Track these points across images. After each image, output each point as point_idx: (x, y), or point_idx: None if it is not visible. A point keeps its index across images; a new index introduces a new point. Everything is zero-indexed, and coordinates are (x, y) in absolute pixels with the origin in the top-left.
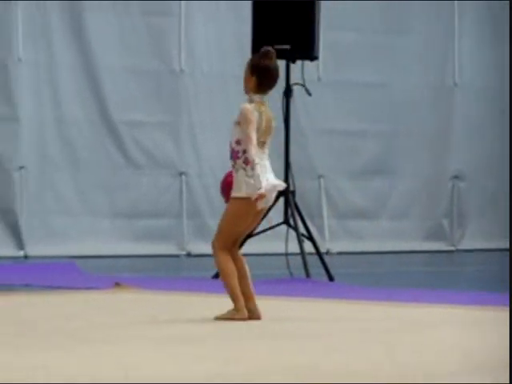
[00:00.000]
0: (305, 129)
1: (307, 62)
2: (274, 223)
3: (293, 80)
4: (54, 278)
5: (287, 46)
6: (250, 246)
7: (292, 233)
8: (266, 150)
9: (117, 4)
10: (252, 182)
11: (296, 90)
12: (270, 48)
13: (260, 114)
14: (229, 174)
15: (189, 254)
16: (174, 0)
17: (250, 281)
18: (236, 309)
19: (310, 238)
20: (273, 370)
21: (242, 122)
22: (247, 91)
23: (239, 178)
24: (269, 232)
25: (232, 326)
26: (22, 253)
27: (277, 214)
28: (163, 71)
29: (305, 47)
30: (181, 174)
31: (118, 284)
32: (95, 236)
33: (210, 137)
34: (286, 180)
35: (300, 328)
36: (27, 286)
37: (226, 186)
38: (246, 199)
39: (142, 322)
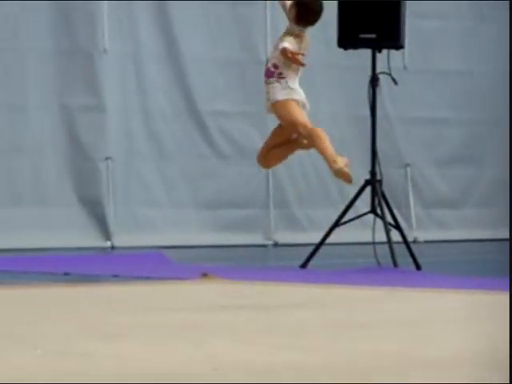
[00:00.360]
0: (391, 117)
1: (393, 51)
2: (360, 212)
3: (379, 69)
4: (141, 268)
5: (373, 35)
6: (337, 236)
7: (379, 222)
8: (299, 73)
9: None
10: (287, 91)
11: (382, 78)
12: None
13: (298, 47)
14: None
15: (276, 244)
16: None
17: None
18: (333, 160)
19: (397, 227)
20: (358, 358)
21: (283, 57)
22: (289, 18)
23: (274, 90)
24: (356, 221)
25: (317, 315)
26: (109, 243)
27: (364, 203)
28: (249, 61)
29: (390, 36)
30: None
31: (205, 274)
32: (181, 226)
33: None
34: (373, 169)
35: (388, 317)
36: (115, 277)
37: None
38: (286, 101)
39: (229, 312)
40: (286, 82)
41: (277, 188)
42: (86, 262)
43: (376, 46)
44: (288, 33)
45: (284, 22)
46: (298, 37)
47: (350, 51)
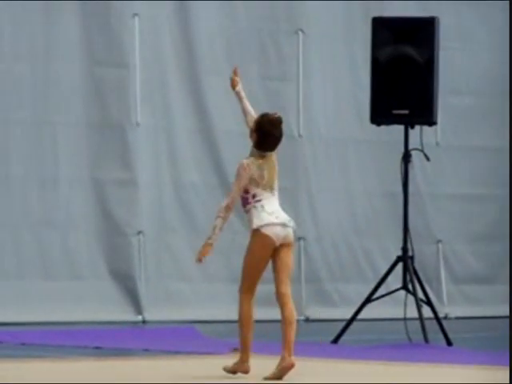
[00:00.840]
0: (423, 194)
1: (425, 127)
2: (392, 288)
3: (411, 145)
4: (172, 342)
5: (406, 111)
6: (368, 311)
7: (410, 298)
8: (276, 193)
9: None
10: (262, 215)
11: (414, 154)
12: (278, 116)
13: (258, 166)
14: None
15: (307, 319)
16: (291, 65)
17: (293, 327)
18: (241, 360)
19: (429, 303)
20: None
21: (237, 174)
22: (252, 142)
23: (250, 217)
24: (387, 297)
25: None
26: (140, 318)
27: (395, 279)
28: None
29: (423, 112)
30: (299, 238)
31: (235, 349)
32: (213, 301)
33: (329, 202)
34: (405, 245)
35: None
36: (146, 351)
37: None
38: (259, 232)
39: None
40: (262, 207)
41: (308, 263)
42: (117, 335)
43: (409, 122)
44: (251, 153)
45: (317, 97)
46: (261, 157)
47: (383, 127)
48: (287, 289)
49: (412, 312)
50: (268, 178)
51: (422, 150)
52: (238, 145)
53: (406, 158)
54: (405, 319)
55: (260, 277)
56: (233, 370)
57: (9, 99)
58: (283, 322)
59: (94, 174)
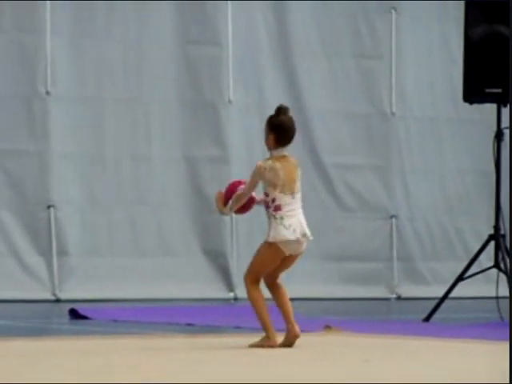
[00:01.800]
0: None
1: None
2: (484, 267)
3: (504, 124)
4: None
5: (499, 90)
6: (461, 290)
7: (503, 276)
8: (298, 197)
9: (327, 45)
10: (279, 229)
11: (507, 133)
12: (282, 104)
13: (277, 170)
14: (235, 183)
15: (399, 297)
16: (384, 43)
17: (288, 303)
18: (267, 336)
19: None
20: None
21: (251, 174)
22: (269, 149)
23: (270, 225)
24: (479, 276)
25: (439, 368)
26: (232, 295)
27: (487, 258)
28: (374, 114)
29: None
30: (391, 217)
31: (328, 327)
32: (306, 278)
33: (421, 180)
34: (497, 223)
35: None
36: (237, 328)
37: (227, 192)
38: (273, 244)
39: (353, 366)
40: (282, 218)
41: (400, 242)
42: (208, 313)
43: (501, 101)
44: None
45: (410, 75)
46: (279, 160)
47: (475, 105)
48: (279, 279)
49: (504, 291)
50: (286, 178)
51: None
52: (330, 124)
53: (499, 136)
54: (497, 298)
55: (265, 273)
56: (259, 345)
57: (102, 79)
58: (278, 297)
59: (186, 152)
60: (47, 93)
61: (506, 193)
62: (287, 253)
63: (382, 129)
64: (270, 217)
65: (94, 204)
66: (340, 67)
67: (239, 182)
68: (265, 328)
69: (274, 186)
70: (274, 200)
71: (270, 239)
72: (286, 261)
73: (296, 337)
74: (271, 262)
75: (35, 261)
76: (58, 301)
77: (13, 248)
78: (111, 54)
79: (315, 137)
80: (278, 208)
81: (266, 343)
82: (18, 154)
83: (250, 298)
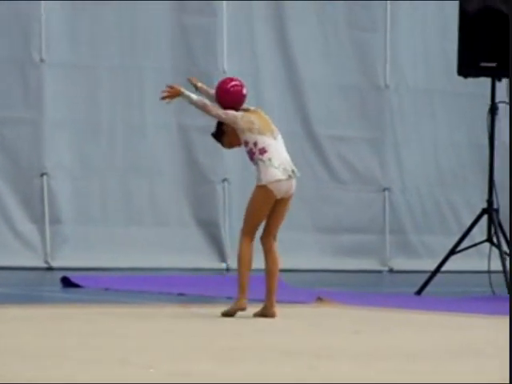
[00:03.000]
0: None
1: None
2: (477, 241)
3: (498, 98)
4: (256, 291)
5: (493, 64)
6: (452, 263)
7: (495, 251)
8: (279, 138)
9: (321, 16)
10: (270, 171)
11: (501, 107)
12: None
13: (248, 115)
14: (226, 80)
15: (391, 270)
16: (379, 15)
17: (275, 279)
18: (237, 298)
19: None
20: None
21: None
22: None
23: (259, 170)
24: (472, 250)
25: (431, 341)
26: (224, 265)
27: (480, 232)
28: (368, 86)
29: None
30: (384, 189)
31: (320, 298)
32: (298, 250)
33: (415, 153)
34: (490, 197)
35: (502, 345)
36: (229, 299)
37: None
38: (264, 187)
39: (345, 338)
40: (270, 160)
41: (393, 215)
42: (201, 283)
43: (496, 75)
44: None
45: (404, 47)
46: (246, 111)
47: (470, 79)
48: (274, 238)
49: (496, 265)
50: (259, 122)
51: (508, 103)
52: (323, 96)
53: (493, 110)
54: (489, 272)
55: (260, 223)
56: (231, 313)
57: (96, 46)
58: (266, 271)
59: (180, 120)
60: (41, 60)
61: (500, 167)
62: (278, 195)
63: (376, 101)
64: (257, 162)
65: (87, 172)
66: (335, 39)
67: (231, 80)
68: (239, 288)
69: (251, 129)
70: (255, 143)
71: (263, 182)
72: (278, 207)
73: (272, 317)
74: (264, 207)
75: (28, 228)
76: (50, 269)
77: (6, 215)
78: (106, 22)
79: (308, 108)
80: (263, 151)
81: (235, 306)
82: (12, 122)
83: (239, 252)
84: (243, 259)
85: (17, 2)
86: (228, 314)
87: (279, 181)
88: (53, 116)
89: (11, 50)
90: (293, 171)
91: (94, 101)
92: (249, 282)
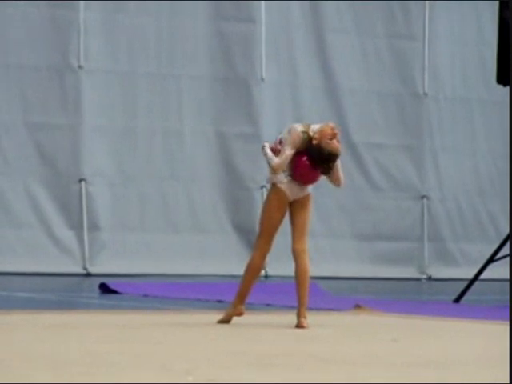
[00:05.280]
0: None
1: None
2: None
3: None
4: (294, 298)
5: None
6: (491, 271)
7: None
8: None
9: (360, 24)
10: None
11: None
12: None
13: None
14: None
15: (429, 278)
16: (418, 23)
17: (303, 288)
18: (233, 303)
19: None
20: None
21: (285, 138)
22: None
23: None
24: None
25: (469, 349)
26: (263, 272)
27: None
28: (406, 94)
29: None
30: (422, 197)
31: (358, 306)
32: (336, 257)
33: (453, 161)
34: None
35: None
36: (268, 306)
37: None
38: (276, 187)
39: (382, 346)
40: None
41: (431, 222)
42: None
43: None
44: (304, 124)
45: (443, 56)
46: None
47: (508, 87)
48: (302, 245)
49: None
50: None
51: None
52: (361, 104)
53: None
54: None
55: (275, 233)
56: (227, 319)
57: (134, 53)
58: (296, 280)
59: (218, 127)
60: (80, 66)
61: None
62: (291, 197)
63: (414, 109)
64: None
65: (125, 178)
66: (373, 47)
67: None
68: (237, 294)
69: (294, 148)
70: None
71: (273, 180)
72: (296, 211)
73: (300, 327)
74: (277, 207)
75: (66, 235)
76: (88, 275)
77: (44, 222)
78: (144, 29)
79: (346, 115)
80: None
81: (230, 312)
82: (51, 128)
83: (250, 260)
84: (252, 267)
85: (56, 10)
86: (223, 321)
87: (290, 182)
88: (91, 122)
89: (50, 57)
90: None
91: (131, 107)
92: (250, 290)
